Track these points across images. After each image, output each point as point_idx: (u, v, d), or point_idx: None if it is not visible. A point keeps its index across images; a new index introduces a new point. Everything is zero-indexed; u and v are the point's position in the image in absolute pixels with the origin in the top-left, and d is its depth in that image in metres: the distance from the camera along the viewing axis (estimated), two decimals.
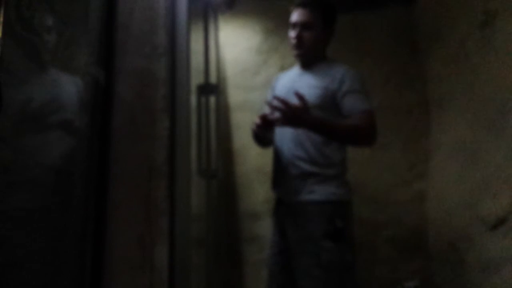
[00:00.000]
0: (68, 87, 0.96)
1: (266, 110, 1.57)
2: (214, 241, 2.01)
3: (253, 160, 2.15)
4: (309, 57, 1.63)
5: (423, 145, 2.07)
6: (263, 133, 1.60)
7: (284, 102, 1.39)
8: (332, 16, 1.64)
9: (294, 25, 1.60)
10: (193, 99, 2.05)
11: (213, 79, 2.16)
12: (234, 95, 2.27)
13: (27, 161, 0.81)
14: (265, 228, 1.93)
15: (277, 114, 1.45)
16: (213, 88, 2.10)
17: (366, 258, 1.99)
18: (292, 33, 1.61)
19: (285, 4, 2.06)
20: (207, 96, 2.08)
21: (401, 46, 2.19)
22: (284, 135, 1.59)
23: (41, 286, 0.85)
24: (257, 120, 1.54)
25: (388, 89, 2.16)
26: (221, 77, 2.27)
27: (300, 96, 1.40)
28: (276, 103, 1.41)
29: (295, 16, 1.61)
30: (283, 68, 2.17)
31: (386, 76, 2.17)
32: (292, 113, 1.39)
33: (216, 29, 2.30)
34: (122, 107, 1.11)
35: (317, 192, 1.47)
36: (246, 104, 2.23)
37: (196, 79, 2.09)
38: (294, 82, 1.63)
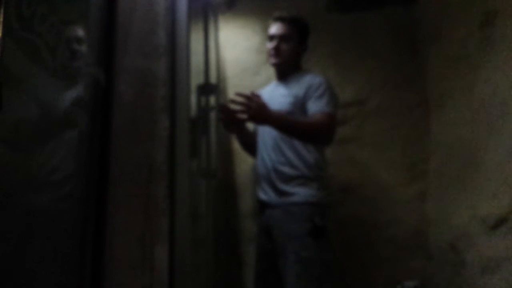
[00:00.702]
0: (68, 86, 0.96)
1: None
2: (214, 241, 2.01)
3: (253, 160, 2.14)
4: (285, 67, 1.76)
5: (423, 145, 2.07)
6: (233, 130, 1.79)
7: (244, 96, 1.53)
8: (307, 33, 1.79)
9: (273, 37, 1.75)
10: (193, 99, 2.05)
11: (213, 79, 2.15)
12: None
13: (27, 161, 0.81)
14: None
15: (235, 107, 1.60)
16: (213, 88, 2.10)
17: (366, 258, 1.99)
18: (270, 44, 1.74)
19: (285, 4, 2.06)
20: (207, 96, 2.08)
21: (401, 46, 2.19)
22: (266, 144, 1.71)
23: (41, 286, 0.85)
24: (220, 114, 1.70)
25: (388, 89, 2.15)
26: (221, 77, 2.27)
27: (255, 95, 1.55)
28: (237, 98, 1.55)
29: (274, 29, 1.75)
30: None
31: (386, 76, 2.17)
32: (251, 107, 1.52)
33: (216, 29, 2.29)
34: (122, 107, 1.11)
35: (299, 194, 1.57)
36: None
37: (196, 79, 2.08)
38: (271, 93, 1.77)
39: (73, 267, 0.95)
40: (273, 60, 1.75)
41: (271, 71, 2.25)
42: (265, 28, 2.31)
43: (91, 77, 1.06)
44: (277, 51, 1.72)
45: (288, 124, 1.58)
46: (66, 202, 0.94)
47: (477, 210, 1.58)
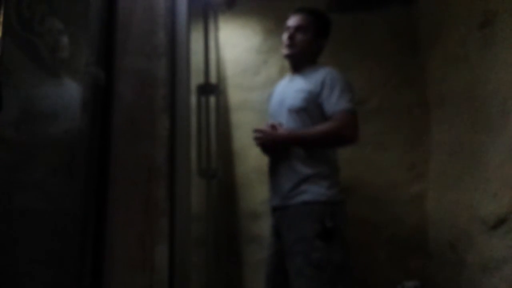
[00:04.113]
0: (68, 86, 0.96)
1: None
2: (214, 241, 2.01)
3: (253, 160, 2.15)
4: (299, 60, 1.72)
5: (423, 145, 2.07)
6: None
7: (257, 130, 1.60)
8: (325, 28, 1.75)
9: (289, 28, 1.72)
10: (193, 99, 2.05)
11: (213, 79, 2.16)
12: (234, 95, 2.26)
13: (27, 161, 0.81)
14: (265, 228, 1.92)
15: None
16: (213, 88, 2.10)
17: (366, 258, 1.99)
18: (285, 35, 1.72)
19: (285, 4, 2.06)
20: (207, 96, 2.08)
21: (401, 46, 2.19)
22: None
23: (41, 286, 0.85)
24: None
25: (388, 89, 2.15)
26: (221, 77, 2.27)
27: (266, 128, 1.60)
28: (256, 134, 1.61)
29: (291, 20, 1.73)
30: (283, 68, 2.17)
31: (386, 76, 2.17)
32: (264, 139, 1.59)
33: (216, 29, 2.30)
34: (122, 107, 1.12)
35: (308, 193, 1.53)
36: (246, 104, 2.23)
37: (196, 79, 2.08)
38: (285, 87, 1.74)
39: (73, 267, 0.95)
40: (286, 51, 1.70)
41: (271, 71, 2.26)
42: (265, 28, 2.32)
43: (91, 77, 1.06)
44: (291, 41, 1.68)
45: (305, 137, 1.56)
46: (66, 202, 0.94)
47: (477, 210, 1.58)
